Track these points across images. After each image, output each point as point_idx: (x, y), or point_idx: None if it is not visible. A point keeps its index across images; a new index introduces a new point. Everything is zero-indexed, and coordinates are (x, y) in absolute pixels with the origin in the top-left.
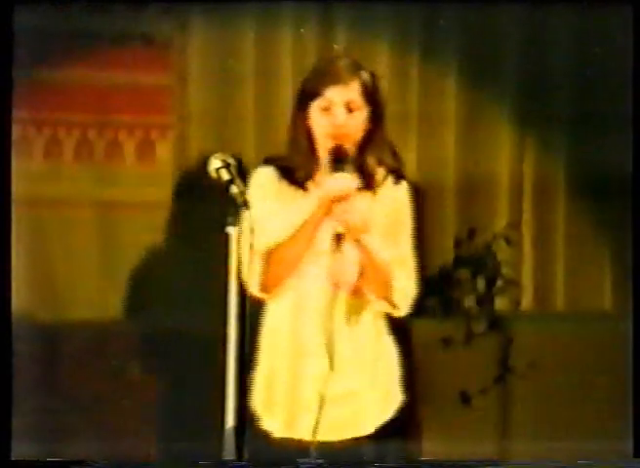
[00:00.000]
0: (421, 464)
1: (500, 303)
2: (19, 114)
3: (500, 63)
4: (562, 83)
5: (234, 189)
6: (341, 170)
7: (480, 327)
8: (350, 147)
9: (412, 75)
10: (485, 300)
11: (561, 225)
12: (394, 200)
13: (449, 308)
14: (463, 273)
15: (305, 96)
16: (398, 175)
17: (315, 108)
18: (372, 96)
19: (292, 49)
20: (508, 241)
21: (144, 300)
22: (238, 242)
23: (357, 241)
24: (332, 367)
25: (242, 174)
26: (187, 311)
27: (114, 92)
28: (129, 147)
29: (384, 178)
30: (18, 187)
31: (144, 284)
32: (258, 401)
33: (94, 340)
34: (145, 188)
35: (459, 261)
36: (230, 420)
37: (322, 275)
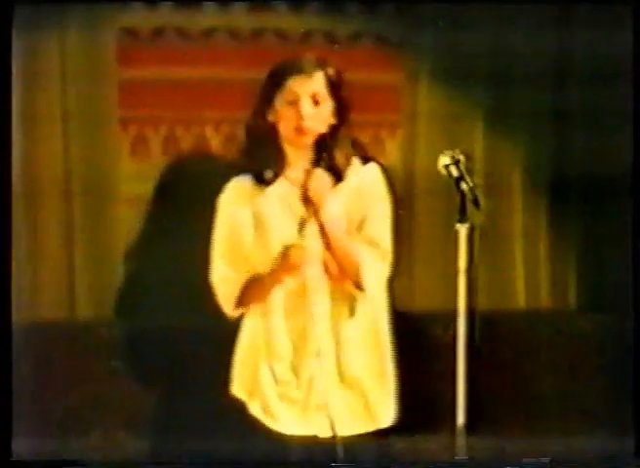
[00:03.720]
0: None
1: None
2: None
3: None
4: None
5: (464, 186)
6: (314, 165)
7: None
8: (317, 141)
9: None
10: None
11: None
12: (361, 183)
13: None
14: None
15: (270, 88)
16: (366, 158)
17: (280, 101)
18: (337, 90)
19: (521, 50)
20: None
21: None
22: (468, 239)
23: (323, 227)
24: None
25: (470, 170)
26: None
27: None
28: None
29: (350, 164)
30: None
31: None
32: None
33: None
34: None
35: None
36: None
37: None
